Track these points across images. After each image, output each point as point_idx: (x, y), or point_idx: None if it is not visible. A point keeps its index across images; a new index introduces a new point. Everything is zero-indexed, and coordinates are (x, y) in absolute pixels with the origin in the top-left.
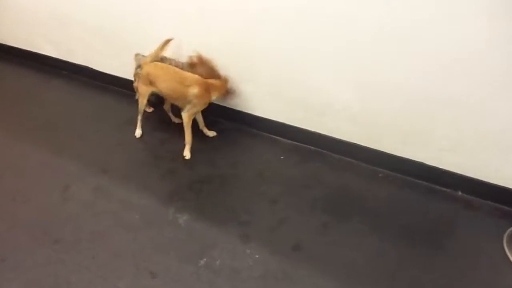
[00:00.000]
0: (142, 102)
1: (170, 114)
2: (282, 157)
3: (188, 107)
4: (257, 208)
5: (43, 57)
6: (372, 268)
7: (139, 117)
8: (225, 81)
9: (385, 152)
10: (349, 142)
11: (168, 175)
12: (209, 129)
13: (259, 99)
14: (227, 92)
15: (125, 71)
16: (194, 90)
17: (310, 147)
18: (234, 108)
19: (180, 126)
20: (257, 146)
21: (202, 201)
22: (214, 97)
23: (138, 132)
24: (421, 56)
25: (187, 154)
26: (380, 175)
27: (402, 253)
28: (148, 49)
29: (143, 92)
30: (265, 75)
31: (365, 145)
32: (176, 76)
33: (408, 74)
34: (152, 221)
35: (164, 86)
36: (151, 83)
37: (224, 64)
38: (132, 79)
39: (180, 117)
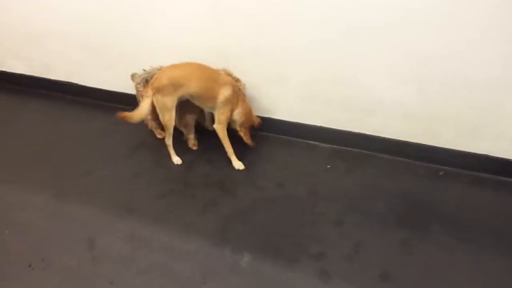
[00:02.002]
0: (171, 117)
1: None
2: (328, 166)
3: (217, 115)
4: (324, 233)
5: (14, 76)
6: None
7: (170, 140)
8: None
9: (443, 148)
10: (400, 140)
11: (209, 206)
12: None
13: (289, 103)
14: (252, 120)
15: (120, 85)
16: (227, 92)
17: (354, 149)
18: (260, 115)
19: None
20: (296, 156)
21: (258, 234)
22: (238, 117)
23: (177, 159)
24: (500, 43)
25: (238, 165)
26: (441, 173)
27: (508, 263)
28: (146, 58)
29: (169, 105)
30: (298, 76)
31: (419, 142)
32: (208, 73)
33: (479, 63)
34: (210, 270)
35: (195, 84)
36: (176, 88)
37: (245, 69)
38: (129, 92)
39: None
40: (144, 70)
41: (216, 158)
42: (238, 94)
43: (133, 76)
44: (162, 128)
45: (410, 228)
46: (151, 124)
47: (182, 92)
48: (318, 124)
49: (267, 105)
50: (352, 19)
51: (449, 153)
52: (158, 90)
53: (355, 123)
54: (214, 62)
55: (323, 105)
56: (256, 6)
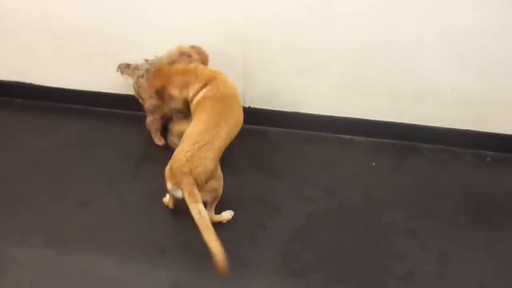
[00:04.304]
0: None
1: None
2: (373, 164)
3: None
4: (402, 247)
5: None
6: None
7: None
8: None
9: (492, 133)
10: (447, 128)
11: (257, 231)
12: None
13: (321, 94)
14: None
15: (97, 83)
16: None
17: (394, 141)
18: (283, 110)
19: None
20: (333, 155)
21: (329, 258)
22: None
23: (230, 214)
24: None
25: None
26: (488, 159)
27: None
28: (134, 48)
29: (218, 169)
30: (336, 64)
31: (468, 129)
32: None
33: None
34: None
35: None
36: None
37: (270, 58)
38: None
39: None
40: (146, 60)
41: (242, 165)
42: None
43: (124, 68)
44: (163, 131)
45: (485, 227)
46: (155, 126)
47: None
48: (354, 116)
49: (293, 98)
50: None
51: (498, 137)
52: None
53: (398, 113)
54: (229, 49)
55: (362, 95)
56: None
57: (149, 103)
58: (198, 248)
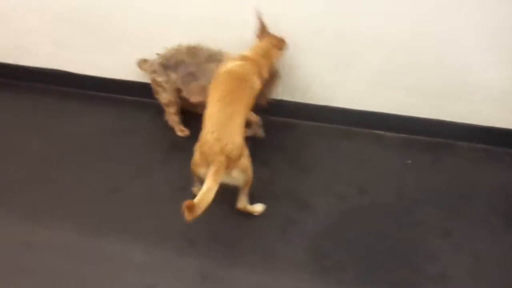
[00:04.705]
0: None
1: None
2: (409, 161)
3: None
4: (434, 247)
5: None
6: None
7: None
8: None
9: None
10: (484, 126)
11: (287, 225)
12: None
13: (352, 88)
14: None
15: (124, 71)
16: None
17: (428, 138)
18: (314, 103)
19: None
20: (366, 151)
21: (360, 256)
22: None
23: (262, 207)
24: None
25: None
26: None
27: None
28: (158, 36)
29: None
30: (370, 58)
31: (505, 127)
32: None
33: None
34: None
35: None
36: None
37: (301, 52)
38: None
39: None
40: (157, 54)
41: (272, 158)
42: None
43: (142, 63)
44: (183, 123)
45: None
46: (172, 119)
47: None
48: (387, 111)
49: (324, 92)
50: None
51: None
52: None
53: (433, 109)
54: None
55: (396, 90)
56: None
57: (163, 97)
58: (227, 239)
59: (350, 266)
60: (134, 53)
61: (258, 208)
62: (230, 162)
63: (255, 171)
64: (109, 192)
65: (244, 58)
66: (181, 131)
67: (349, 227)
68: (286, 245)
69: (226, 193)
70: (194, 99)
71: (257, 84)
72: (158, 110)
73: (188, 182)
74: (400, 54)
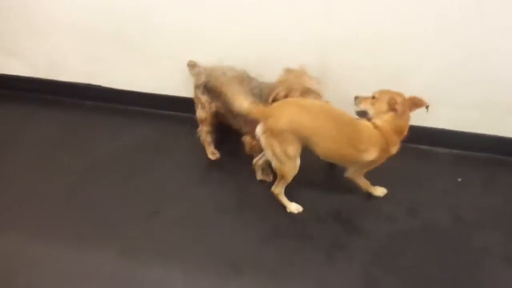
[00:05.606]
0: (293, 168)
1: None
2: (459, 180)
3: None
4: (496, 276)
5: (11, 79)
6: None
7: (282, 189)
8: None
9: None
10: None
11: (335, 250)
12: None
13: None
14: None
15: (162, 86)
16: (370, 157)
17: (480, 154)
18: None
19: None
20: (414, 168)
21: (415, 285)
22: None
23: (296, 207)
24: None
25: (381, 191)
26: None
27: None
28: (198, 50)
29: (291, 153)
30: (421, 71)
31: None
32: (347, 132)
33: None
34: None
35: (325, 145)
36: (298, 137)
37: (349, 64)
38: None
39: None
40: (204, 68)
41: (315, 178)
42: (390, 144)
43: (191, 67)
44: (216, 145)
45: None
46: (204, 138)
47: (305, 143)
48: (438, 127)
49: None
50: None
51: None
52: (274, 134)
53: (489, 124)
54: (306, 55)
55: (448, 104)
56: None
57: (199, 113)
58: (272, 264)
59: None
60: (175, 69)
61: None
62: None
63: (300, 192)
64: (150, 215)
65: None
66: (212, 154)
67: (401, 252)
68: (336, 272)
69: (265, 214)
70: (245, 129)
71: None
72: (195, 124)
73: (228, 202)
74: (456, 65)
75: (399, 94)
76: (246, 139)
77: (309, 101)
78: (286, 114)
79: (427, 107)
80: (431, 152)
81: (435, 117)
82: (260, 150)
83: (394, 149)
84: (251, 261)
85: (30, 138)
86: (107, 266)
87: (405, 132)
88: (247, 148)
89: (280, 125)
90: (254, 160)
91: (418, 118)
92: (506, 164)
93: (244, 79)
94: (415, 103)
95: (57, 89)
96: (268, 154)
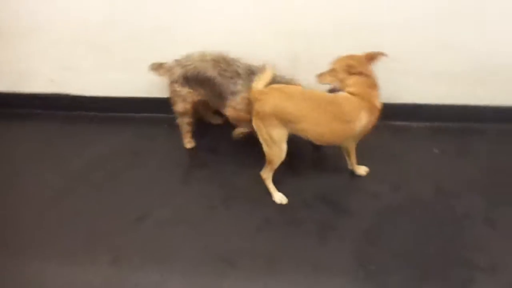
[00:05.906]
0: (279, 151)
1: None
2: (436, 151)
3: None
4: (482, 239)
5: None
6: None
7: (270, 174)
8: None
9: None
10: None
11: (327, 232)
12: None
13: None
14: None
15: (135, 88)
16: (361, 122)
17: (453, 124)
18: None
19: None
20: (391, 143)
21: (406, 257)
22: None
23: (280, 196)
24: None
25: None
26: None
27: None
28: (169, 50)
29: (276, 138)
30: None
31: None
32: (331, 110)
33: None
34: None
35: (311, 129)
36: (283, 122)
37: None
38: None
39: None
40: (176, 60)
41: (297, 162)
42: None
43: (157, 67)
44: (193, 134)
45: None
46: (184, 128)
47: (291, 130)
48: (411, 102)
49: None
50: None
51: None
52: (260, 117)
53: (460, 95)
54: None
55: (420, 79)
56: None
57: (180, 107)
58: (267, 254)
59: (396, 268)
60: (146, 70)
61: (277, 196)
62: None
63: (284, 176)
64: (137, 221)
65: None
66: (189, 142)
67: (389, 228)
68: (329, 254)
69: (253, 206)
70: (230, 112)
71: None
72: (173, 123)
73: (213, 199)
74: (427, 40)
75: (352, 57)
76: (229, 110)
77: (292, 87)
78: (271, 99)
79: (384, 55)
80: (406, 127)
81: (403, 92)
82: (242, 121)
83: (378, 104)
84: (245, 253)
85: (5, 154)
86: (102, 278)
87: (377, 83)
88: (230, 119)
89: (266, 109)
90: (236, 130)
91: (391, 96)
92: (479, 131)
93: (226, 60)
94: (372, 57)
95: (25, 102)
96: (259, 137)
